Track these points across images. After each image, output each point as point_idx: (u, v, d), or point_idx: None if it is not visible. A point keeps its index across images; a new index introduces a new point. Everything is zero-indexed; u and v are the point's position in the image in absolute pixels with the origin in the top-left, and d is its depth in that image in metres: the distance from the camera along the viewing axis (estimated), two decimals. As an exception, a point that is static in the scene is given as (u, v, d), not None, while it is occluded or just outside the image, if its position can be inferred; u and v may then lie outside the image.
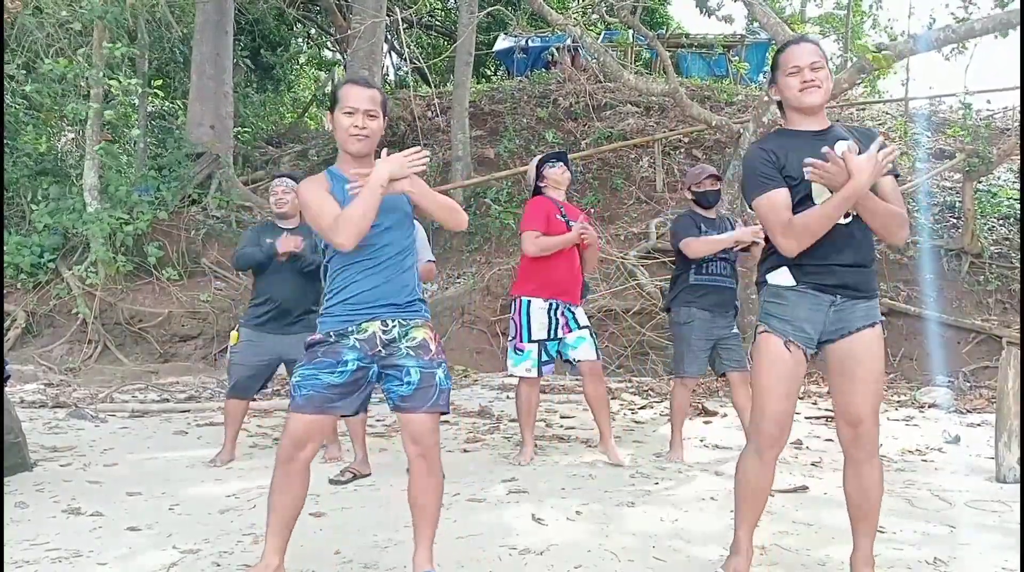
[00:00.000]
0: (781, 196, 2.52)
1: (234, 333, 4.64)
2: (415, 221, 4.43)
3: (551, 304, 4.50)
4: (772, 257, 2.63)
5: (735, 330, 4.61)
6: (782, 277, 2.58)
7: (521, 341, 4.51)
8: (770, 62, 2.71)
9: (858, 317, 2.55)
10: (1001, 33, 7.37)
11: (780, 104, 2.68)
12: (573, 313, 4.56)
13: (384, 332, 2.57)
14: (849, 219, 2.52)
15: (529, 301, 4.51)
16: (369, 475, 4.24)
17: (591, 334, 4.59)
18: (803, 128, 2.60)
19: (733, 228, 4.61)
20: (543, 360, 4.50)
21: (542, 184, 4.67)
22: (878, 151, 2.42)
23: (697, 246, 4.49)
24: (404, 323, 2.60)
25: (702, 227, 4.60)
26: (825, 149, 2.43)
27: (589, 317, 4.71)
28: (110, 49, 8.89)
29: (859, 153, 2.46)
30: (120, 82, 9.03)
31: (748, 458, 2.66)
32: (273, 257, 4.48)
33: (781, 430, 2.58)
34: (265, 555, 2.62)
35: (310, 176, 2.70)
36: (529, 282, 4.54)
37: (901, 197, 2.58)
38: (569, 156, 4.88)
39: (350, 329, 2.56)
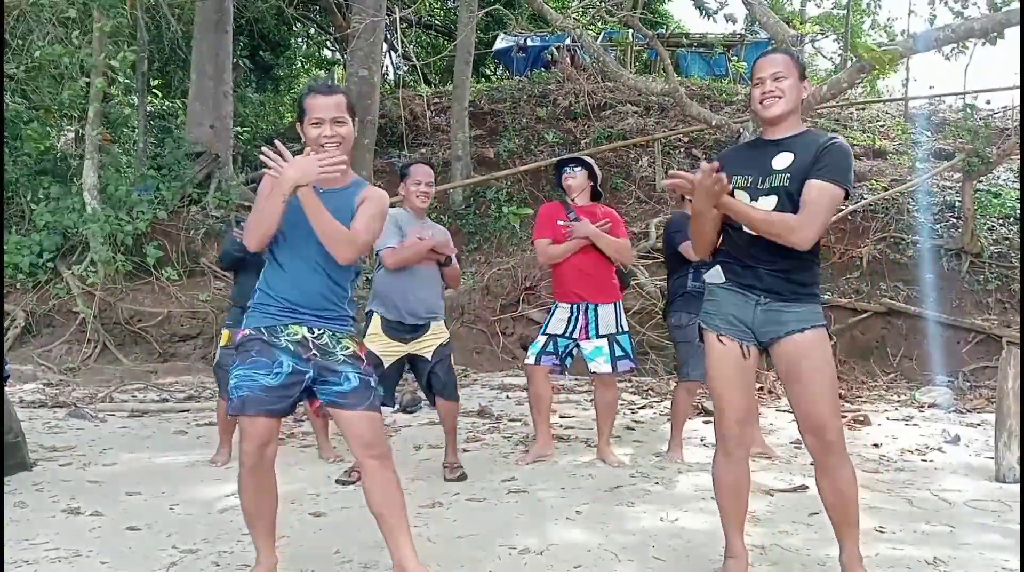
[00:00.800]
0: None
1: (225, 332, 4.55)
2: (440, 226, 4.43)
3: (573, 307, 4.55)
4: (714, 257, 2.72)
5: None
6: (714, 275, 2.69)
7: (539, 335, 4.67)
8: None
9: (790, 320, 2.57)
10: (990, 41, 7.37)
11: None
12: (597, 315, 4.53)
13: (315, 337, 2.57)
14: None
15: (557, 306, 4.65)
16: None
17: (612, 343, 4.53)
18: (767, 137, 2.67)
19: None
20: (547, 351, 4.55)
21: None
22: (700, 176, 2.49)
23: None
24: (334, 333, 2.60)
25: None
26: (667, 182, 2.64)
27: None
28: (100, 28, 8.79)
29: (809, 162, 2.52)
30: (119, 76, 8.99)
31: (717, 461, 2.69)
32: (247, 251, 4.44)
33: (741, 427, 2.63)
34: (262, 558, 2.62)
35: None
36: (556, 288, 4.70)
37: (822, 201, 2.49)
38: (568, 156, 4.86)
39: (279, 328, 2.55)
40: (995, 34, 7.28)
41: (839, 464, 2.57)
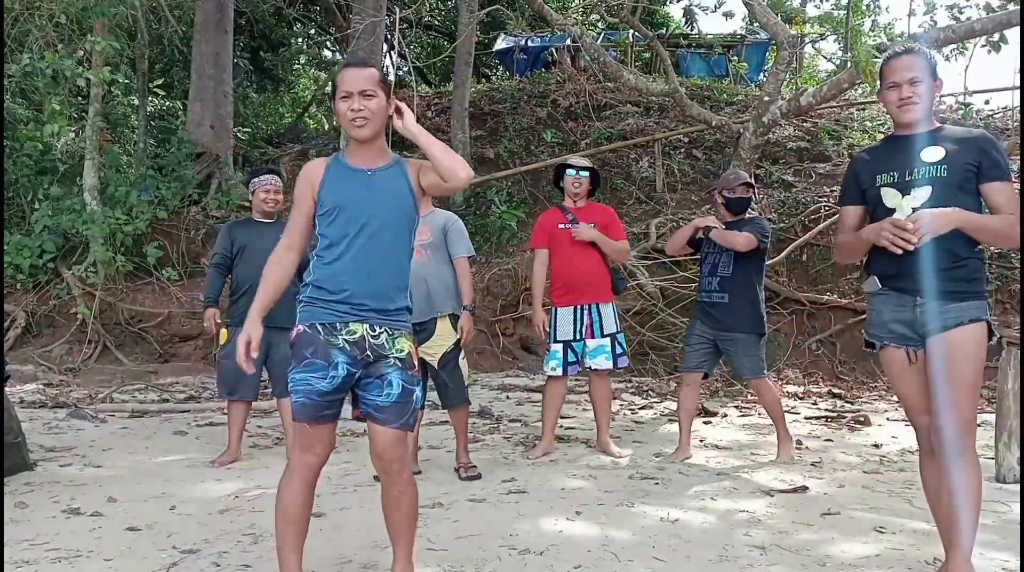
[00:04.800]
0: (847, 214, 2.84)
1: (224, 330, 4.54)
2: (448, 212, 4.33)
3: (575, 309, 4.67)
4: (866, 268, 2.79)
5: (740, 337, 4.57)
6: (871, 284, 2.75)
7: (549, 343, 4.74)
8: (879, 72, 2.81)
9: (949, 317, 2.57)
10: (993, 47, 7.37)
11: None
12: (600, 315, 4.68)
13: (373, 336, 2.44)
14: None
15: (556, 309, 4.73)
16: (419, 472, 4.24)
17: (613, 342, 4.69)
18: (904, 134, 2.72)
19: (762, 233, 4.61)
20: (569, 361, 4.67)
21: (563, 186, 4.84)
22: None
23: (670, 243, 4.98)
24: (391, 331, 2.47)
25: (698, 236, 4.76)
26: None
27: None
28: (92, 43, 8.79)
29: (967, 158, 2.59)
30: (118, 80, 8.98)
31: (920, 462, 2.76)
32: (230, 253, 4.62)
33: (921, 422, 2.68)
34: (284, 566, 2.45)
35: (314, 161, 2.58)
36: (553, 290, 4.75)
37: (1015, 198, 2.58)
38: (569, 157, 4.92)
39: (338, 325, 2.43)
40: (998, 40, 7.29)
41: (951, 464, 2.53)
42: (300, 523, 2.47)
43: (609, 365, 4.68)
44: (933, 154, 2.62)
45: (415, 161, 2.60)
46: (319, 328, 2.44)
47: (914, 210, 2.58)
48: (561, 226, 4.72)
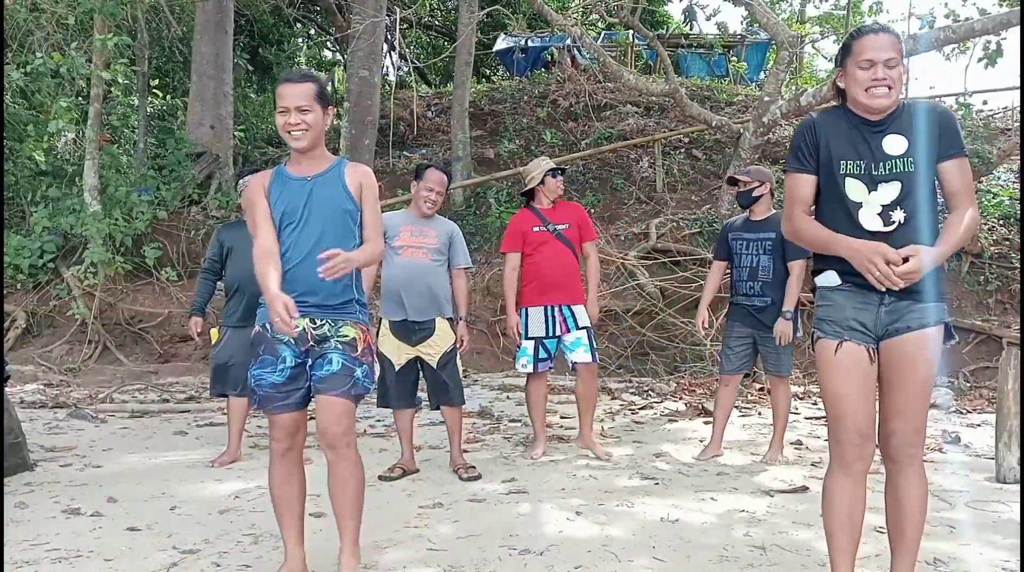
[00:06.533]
0: (801, 182, 2.48)
1: (214, 330, 4.61)
2: (450, 221, 4.40)
3: (545, 308, 4.68)
4: (821, 260, 2.52)
5: (775, 335, 4.63)
6: (828, 278, 2.49)
7: (520, 339, 4.72)
8: (841, 45, 2.51)
9: (912, 318, 2.40)
10: (990, 59, 7.38)
11: (837, 88, 2.51)
12: (572, 312, 4.70)
13: (315, 328, 2.60)
14: (892, 227, 2.40)
15: (527, 309, 4.72)
16: (417, 471, 4.29)
17: (589, 335, 4.71)
18: (865, 116, 2.45)
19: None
20: (540, 357, 4.67)
21: (539, 188, 4.76)
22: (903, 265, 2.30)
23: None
24: (334, 321, 2.63)
25: (728, 237, 4.75)
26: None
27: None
28: (102, 40, 8.79)
29: (928, 143, 2.38)
30: (118, 78, 8.99)
31: (832, 479, 2.43)
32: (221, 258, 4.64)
33: (862, 437, 2.38)
34: (289, 557, 2.67)
35: (259, 172, 2.80)
36: (526, 291, 4.73)
37: (968, 178, 2.42)
38: (569, 156, 4.95)
39: None
40: (994, 51, 7.29)
41: (904, 477, 2.40)
42: (288, 500, 2.66)
43: (588, 358, 4.67)
44: (896, 145, 2.40)
45: (357, 168, 2.74)
46: (267, 326, 2.62)
47: (883, 206, 2.39)
48: (536, 229, 4.71)
